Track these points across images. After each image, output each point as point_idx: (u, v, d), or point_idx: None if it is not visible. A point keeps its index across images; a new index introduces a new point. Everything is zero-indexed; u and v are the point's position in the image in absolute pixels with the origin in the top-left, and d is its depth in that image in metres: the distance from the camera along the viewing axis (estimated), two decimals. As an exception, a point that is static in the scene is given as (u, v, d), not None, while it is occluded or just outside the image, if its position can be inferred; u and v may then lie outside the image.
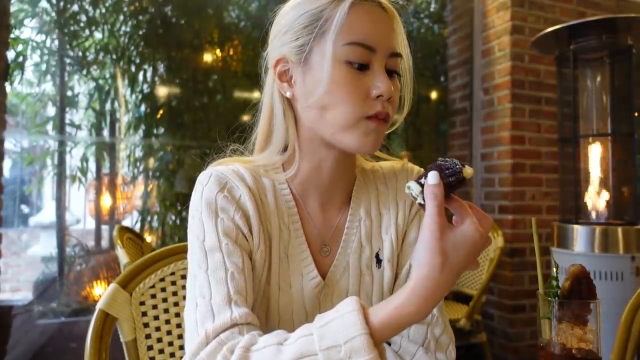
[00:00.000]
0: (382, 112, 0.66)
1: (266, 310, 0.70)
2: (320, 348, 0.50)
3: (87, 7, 2.88)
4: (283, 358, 0.52)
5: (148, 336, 0.87)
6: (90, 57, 2.92)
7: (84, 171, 2.90)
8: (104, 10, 2.93)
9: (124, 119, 2.98)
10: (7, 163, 2.71)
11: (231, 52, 3.07)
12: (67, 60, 2.87)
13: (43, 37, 2.84)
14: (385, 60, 0.67)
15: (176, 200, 2.92)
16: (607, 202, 2.09)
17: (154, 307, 0.88)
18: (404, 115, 0.74)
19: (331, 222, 0.75)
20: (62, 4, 2.81)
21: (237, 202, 0.68)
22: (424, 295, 0.52)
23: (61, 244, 2.80)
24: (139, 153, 3.02)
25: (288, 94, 0.70)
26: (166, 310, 0.90)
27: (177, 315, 0.91)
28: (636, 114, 2.08)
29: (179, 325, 0.91)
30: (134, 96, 2.96)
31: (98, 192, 2.99)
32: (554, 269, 0.63)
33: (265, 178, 0.73)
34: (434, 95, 3.45)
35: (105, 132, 3.00)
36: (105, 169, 3.02)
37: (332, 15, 0.65)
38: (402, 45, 0.70)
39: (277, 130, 0.73)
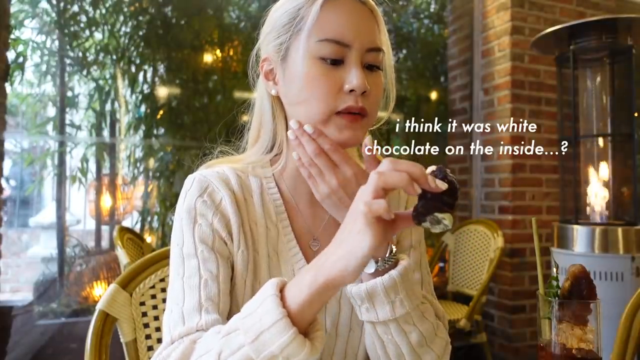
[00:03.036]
0: (354, 106, 0.64)
1: None
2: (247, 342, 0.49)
3: (87, 7, 2.88)
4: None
5: (148, 336, 0.86)
6: (91, 57, 2.92)
7: (84, 172, 2.90)
8: (104, 11, 2.93)
9: (124, 119, 2.98)
10: (7, 163, 2.71)
11: (231, 53, 3.08)
12: (68, 61, 2.88)
13: (43, 37, 2.84)
14: (362, 55, 0.66)
15: (176, 200, 2.91)
16: (607, 202, 2.08)
17: (154, 307, 0.88)
18: (389, 110, 0.74)
19: (322, 216, 0.75)
20: (62, 4, 2.81)
21: (216, 206, 0.69)
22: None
23: (61, 245, 2.80)
24: (139, 153, 3.02)
25: (273, 92, 0.71)
26: (166, 311, 0.90)
27: (177, 315, 0.91)
28: (636, 115, 2.08)
29: (179, 326, 0.90)
30: (134, 97, 2.96)
31: (98, 193, 2.98)
32: (554, 269, 0.63)
33: (252, 177, 0.74)
34: (434, 95, 3.46)
35: (106, 133, 3.00)
36: (106, 170, 3.02)
37: (307, 13, 0.65)
38: (383, 39, 0.69)
39: (265, 127, 0.74)
